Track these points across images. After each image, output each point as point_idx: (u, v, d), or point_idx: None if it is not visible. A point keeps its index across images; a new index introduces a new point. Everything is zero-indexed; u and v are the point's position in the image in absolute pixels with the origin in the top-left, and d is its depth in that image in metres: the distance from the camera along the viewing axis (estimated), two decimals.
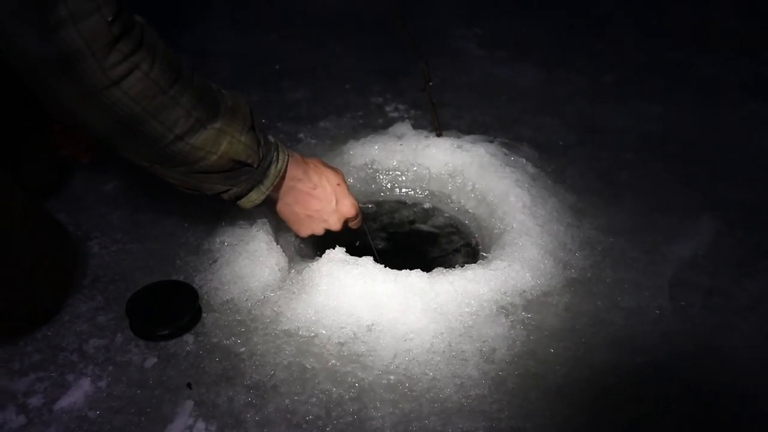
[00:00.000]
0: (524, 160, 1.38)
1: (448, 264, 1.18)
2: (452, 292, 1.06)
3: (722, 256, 1.21)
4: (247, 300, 1.08)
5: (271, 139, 1.03)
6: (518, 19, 2.17)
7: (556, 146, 1.52)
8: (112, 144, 0.90)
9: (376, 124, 1.60)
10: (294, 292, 1.08)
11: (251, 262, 1.11)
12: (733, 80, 1.81)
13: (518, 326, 1.05)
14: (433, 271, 1.10)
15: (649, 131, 1.59)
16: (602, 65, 1.89)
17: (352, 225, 1.16)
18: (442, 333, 1.02)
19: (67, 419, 0.91)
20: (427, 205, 1.39)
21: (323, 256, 1.10)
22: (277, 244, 1.17)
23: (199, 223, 1.25)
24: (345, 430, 0.90)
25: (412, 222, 1.36)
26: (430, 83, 1.40)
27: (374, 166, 1.40)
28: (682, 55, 1.94)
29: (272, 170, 1.01)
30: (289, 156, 1.04)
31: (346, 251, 1.10)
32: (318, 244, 1.25)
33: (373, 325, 1.02)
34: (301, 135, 1.55)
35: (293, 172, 1.05)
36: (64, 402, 0.93)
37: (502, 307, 1.07)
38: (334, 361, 0.99)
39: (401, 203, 1.40)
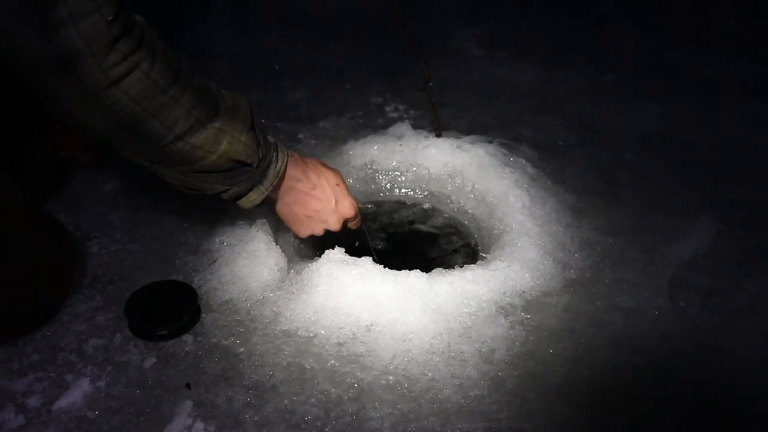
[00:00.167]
0: (524, 161, 1.38)
1: (448, 264, 1.18)
2: (451, 292, 1.06)
3: (722, 256, 1.21)
4: (246, 300, 1.08)
5: (271, 139, 1.03)
6: (518, 19, 2.17)
7: (556, 146, 1.52)
8: (112, 144, 0.90)
9: (375, 124, 1.59)
10: (293, 293, 1.08)
11: (250, 263, 1.11)
12: (733, 80, 1.81)
13: (517, 327, 1.05)
14: (433, 271, 1.10)
15: (649, 131, 1.59)
16: (602, 65, 1.89)
17: (352, 225, 1.16)
18: (441, 333, 1.02)
19: (66, 419, 0.91)
20: (426, 206, 1.39)
21: (322, 256, 1.10)
22: (277, 244, 1.17)
23: (199, 223, 1.25)
24: (344, 431, 0.90)
25: (412, 222, 1.36)
26: (430, 83, 1.40)
27: (374, 167, 1.40)
28: (682, 55, 1.94)
29: (271, 170, 1.01)
30: (288, 156, 1.04)
31: (346, 252, 1.10)
32: (317, 245, 1.25)
33: (372, 325, 1.02)
34: (301, 135, 1.55)
35: (292, 172, 1.05)
36: (63, 402, 0.93)
37: (502, 308, 1.07)
38: (333, 362, 0.99)
39: (401, 203, 1.40)
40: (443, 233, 1.33)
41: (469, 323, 1.04)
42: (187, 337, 1.03)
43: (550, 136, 1.56)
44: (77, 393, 0.94)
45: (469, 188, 1.34)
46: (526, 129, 1.59)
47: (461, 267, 1.12)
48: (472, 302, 1.06)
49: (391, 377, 0.97)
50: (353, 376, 0.97)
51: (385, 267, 1.08)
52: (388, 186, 1.41)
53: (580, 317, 1.08)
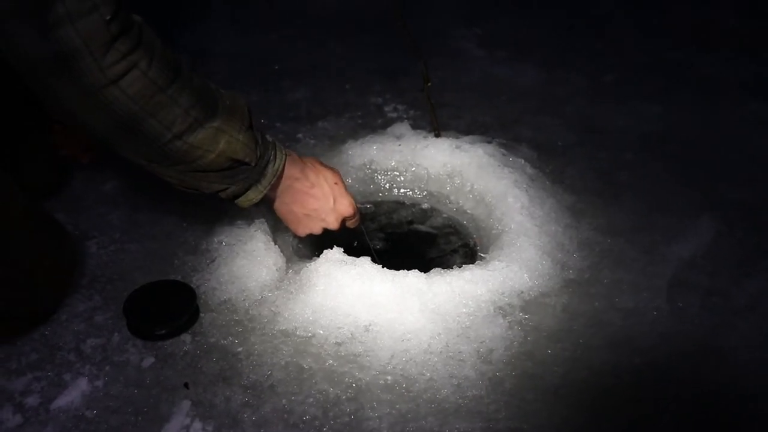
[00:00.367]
0: (523, 161, 1.38)
1: (446, 264, 1.18)
2: (450, 292, 1.06)
3: (722, 256, 1.21)
4: (244, 300, 1.08)
5: (269, 138, 1.03)
6: (518, 19, 2.17)
7: (555, 146, 1.52)
8: (111, 143, 0.90)
9: (375, 124, 1.59)
10: (292, 292, 1.08)
11: (249, 262, 1.11)
12: (733, 80, 1.80)
13: (516, 327, 1.05)
14: (431, 271, 1.10)
15: (649, 131, 1.58)
16: (602, 65, 1.89)
17: (350, 224, 1.15)
18: (440, 333, 1.02)
19: (64, 419, 0.91)
20: (425, 206, 1.39)
21: (321, 256, 1.10)
22: (275, 244, 1.17)
23: (198, 223, 1.25)
24: (342, 431, 0.90)
25: (411, 222, 1.36)
26: (429, 83, 1.40)
27: (373, 167, 1.40)
28: (682, 55, 1.93)
29: (270, 169, 1.01)
30: (286, 155, 1.04)
31: (344, 252, 1.10)
32: (316, 245, 1.25)
33: (370, 325, 1.02)
34: (300, 135, 1.55)
35: (291, 171, 1.05)
36: (61, 401, 0.93)
37: (500, 308, 1.07)
38: (331, 362, 0.99)
39: (399, 203, 1.40)
40: (442, 233, 1.33)
41: (467, 323, 1.04)
42: (186, 337, 1.03)
43: (550, 136, 1.55)
44: (75, 392, 0.95)
45: (468, 188, 1.34)
46: (526, 129, 1.58)
47: (460, 267, 1.12)
48: (470, 302, 1.06)
49: (389, 377, 0.97)
50: (351, 376, 0.97)
51: (383, 267, 1.08)
52: (387, 186, 1.41)
53: (579, 318, 1.08)
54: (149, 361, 1.00)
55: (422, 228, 1.34)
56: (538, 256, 1.14)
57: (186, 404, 0.93)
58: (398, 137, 1.43)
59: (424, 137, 1.43)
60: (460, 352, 1.00)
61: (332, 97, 1.73)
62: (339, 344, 1.01)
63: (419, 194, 1.41)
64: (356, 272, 1.06)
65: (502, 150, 1.39)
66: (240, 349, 1.01)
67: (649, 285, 1.14)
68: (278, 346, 1.01)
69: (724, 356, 1.02)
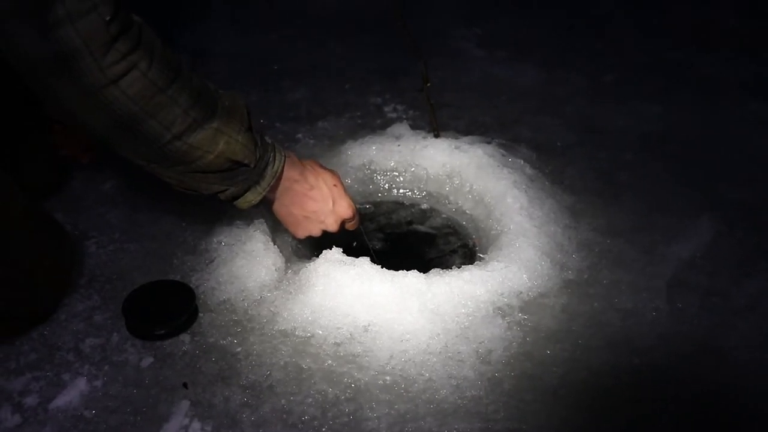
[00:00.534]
0: (522, 161, 1.38)
1: (445, 265, 1.18)
2: (449, 293, 1.06)
3: (721, 256, 1.21)
4: (243, 300, 1.08)
5: (268, 140, 1.03)
6: (518, 19, 2.17)
7: (555, 147, 1.52)
8: (111, 143, 0.90)
9: (374, 124, 1.59)
10: (291, 293, 1.08)
11: (248, 262, 1.11)
12: (733, 80, 1.80)
13: (515, 327, 1.05)
14: (430, 272, 1.10)
15: (648, 131, 1.58)
16: (602, 65, 1.89)
17: (349, 226, 1.15)
18: (439, 334, 1.02)
19: (63, 418, 0.91)
20: (424, 206, 1.39)
21: (320, 256, 1.10)
22: (274, 244, 1.17)
23: (197, 222, 1.25)
24: (341, 431, 0.90)
25: (410, 223, 1.36)
26: (429, 84, 1.40)
27: (372, 167, 1.40)
28: (682, 55, 1.93)
29: (269, 171, 1.01)
30: (285, 157, 1.04)
31: (343, 252, 1.10)
32: (315, 245, 1.25)
33: (369, 325, 1.02)
34: (300, 135, 1.55)
35: (290, 173, 1.05)
36: (60, 401, 0.93)
37: (499, 309, 1.07)
38: (330, 362, 0.99)
39: (399, 204, 1.40)
40: (441, 234, 1.33)
41: (466, 324, 1.04)
42: (185, 337, 1.03)
43: (550, 137, 1.55)
44: (74, 392, 0.95)
45: (468, 189, 1.34)
46: (526, 129, 1.58)
47: (459, 267, 1.11)
48: (469, 303, 1.06)
49: (388, 377, 0.97)
50: (350, 376, 0.97)
51: (382, 267, 1.08)
52: (387, 186, 1.41)
53: (578, 318, 1.07)
54: (148, 361, 1.00)
55: (421, 228, 1.34)
56: (537, 257, 1.14)
57: (185, 404, 0.93)
58: (397, 137, 1.43)
59: (424, 137, 1.43)
60: (459, 352, 1.00)
61: (332, 97, 1.73)
62: (338, 344, 1.01)
63: (418, 194, 1.41)
64: (355, 272, 1.06)
65: (501, 150, 1.39)
66: (239, 349, 1.01)
67: (649, 285, 1.14)
68: (277, 346, 1.01)
69: (723, 356, 1.02)
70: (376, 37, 1.99)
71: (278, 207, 1.10)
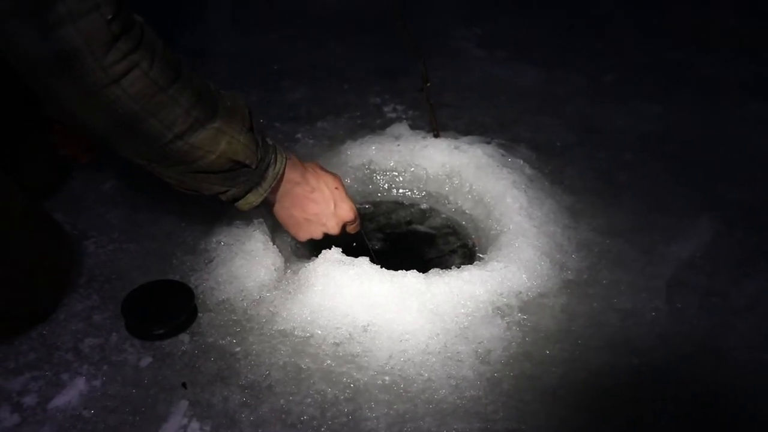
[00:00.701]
0: (522, 161, 1.38)
1: (445, 265, 1.18)
2: (448, 293, 1.06)
3: (721, 256, 1.20)
4: (242, 300, 1.08)
5: (270, 141, 1.03)
6: (518, 19, 2.17)
7: (555, 147, 1.52)
8: (112, 143, 0.90)
9: (374, 124, 1.59)
10: (290, 292, 1.08)
11: (247, 262, 1.11)
12: (733, 80, 1.80)
13: (514, 327, 1.05)
14: (430, 272, 1.10)
15: (648, 131, 1.58)
16: (602, 65, 1.89)
17: (351, 229, 1.15)
18: (438, 334, 1.02)
19: (62, 418, 0.91)
20: (424, 206, 1.39)
21: (319, 256, 1.10)
22: (274, 244, 1.17)
23: (196, 222, 1.25)
24: (340, 431, 0.90)
25: (409, 223, 1.36)
26: (428, 84, 1.40)
27: (371, 167, 1.40)
28: (682, 55, 1.93)
29: (270, 172, 1.01)
30: (287, 159, 1.04)
31: (343, 252, 1.10)
32: (314, 245, 1.25)
33: (368, 325, 1.02)
34: (299, 135, 1.55)
35: (291, 175, 1.05)
36: (59, 401, 0.93)
37: (498, 309, 1.07)
38: (329, 362, 0.99)
39: (398, 204, 1.40)
40: (441, 234, 1.33)
41: (465, 324, 1.04)
42: (184, 337, 1.03)
43: (549, 137, 1.55)
44: (73, 392, 0.94)
45: (467, 189, 1.34)
46: (525, 129, 1.58)
47: (458, 267, 1.11)
48: (468, 303, 1.06)
49: (387, 377, 0.97)
50: (349, 376, 0.97)
51: (382, 267, 1.08)
52: (386, 186, 1.41)
53: (577, 318, 1.07)
54: (147, 360, 1.00)
55: (421, 228, 1.34)
56: (536, 257, 1.14)
57: (184, 404, 0.93)
58: (397, 137, 1.43)
59: (423, 137, 1.43)
60: (458, 352, 1.00)
61: (331, 97, 1.73)
62: (337, 344, 1.01)
63: (418, 194, 1.41)
64: (355, 272, 1.06)
65: (501, 150, 1.39)
66: (238, 349, 1.01)
67: (648, 285, 1.14)
68: (276, 346, 1.01)
69: (723, 357, 1.02)
70: (376, 37, 1.99)
71: (279, 209, 1.09)
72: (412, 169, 1.40)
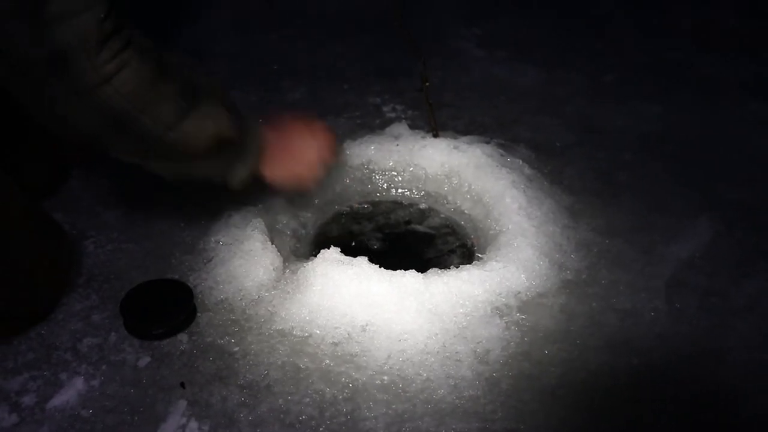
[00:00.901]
0: (521, 161, 1.38)
1: (444, 265, 1.18)
2: (447, 292, 1.06)
3: (720, 256, 1.20)
4: (241, 299, 1.08)
5: (246, 115, 1.04)
6: (518, 19, 2.17)
7: (554, 147, 1.52)
8: (104, 144, 0.91)
9: (373, 124, 1.59)
10: (288, 292, 1.08)
11: (246, 262, 1.11)
12: (733, 80, 1.80)
13: (513, 327, 1.04)
14: (429, 271, 1.10)
15: (648, 131, 1.58)
16: (602, 65, 1.89)
17: (329, 161, 1.17)
18: (437, 334, 1.02)
19: (60, 418, 0.91)
20: (423, 206, 1.39)
21: (318, 256, 1.10)
22: (272, 243, 1.16)
23: (195, 222, 1.25)
24: (338, 431, 0.90)
25: (408, 222, 1.35)
26: (427, 83, 1.40)
27: (371, 167, 1.40)
28: (682, 55, 1.93)
29: (253, 142, 1.03)
30: (264, 126, 1.06)
31: (341, 251, 1.10)
32: (313, 245, 1.25)
33: (367, 325, 1.02)
34: None
35: (271, 137, 1.07)
36: (57, 401, 0.93)
37: (497, 308, 1.07)
38: (328, 361, 0.99)
39: (397, 203, 1.40)
40: (440, 233, 1.33)
41: (464, 323, 1.04)
42: (182, 336, 1.03)
43: (549, 137, 1.55)
44: (71, 392, 0.95)
45: (466, 189, 1.34)
46: (525, 129, 1.58)
47: (457, 267, 1.11)
48: (467, 302, 1.06)
49: (385, 377, 0.97)
50: (348, 376, 0.97)
51: (380, 267, 1.08)
52: (385, 186, 1.41)
53: (576, 318, 1.07)
54: (146, 360, 1.00)
55: (420, 228, 1.34)
56: (535, 257, 1.14)
57: (182, 404, 0.93)
58: (396, 137, 1.43)
59: (422, 137, 1.43)
60: (457, 352, 1.00)
61: (331, 97, 1.73)
62: (336, 344, 1.01)
63: (417, 194, 1.41)
64: (353, 272, 1.06)
65: (500, 150, 1.39)
66: (237, 348, 1.01)
67: (647, 285, 1.13)
68: (275, 345, 1.01)
69: (722, 357, 1.02)
70: (376, 37, 1.99)
71: (269, 173, 1.10)
72: (411, 168, 1.39)
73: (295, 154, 1.12)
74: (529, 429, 0.91)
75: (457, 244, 1.30)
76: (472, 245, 1.28)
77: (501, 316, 1.06)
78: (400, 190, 1.41)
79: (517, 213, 1.21)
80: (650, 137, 1.56)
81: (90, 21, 0.77)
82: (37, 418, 0.91)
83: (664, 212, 1.30)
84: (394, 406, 0.93)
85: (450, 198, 1.37)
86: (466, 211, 1.34)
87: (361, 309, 1.03)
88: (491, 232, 1.23)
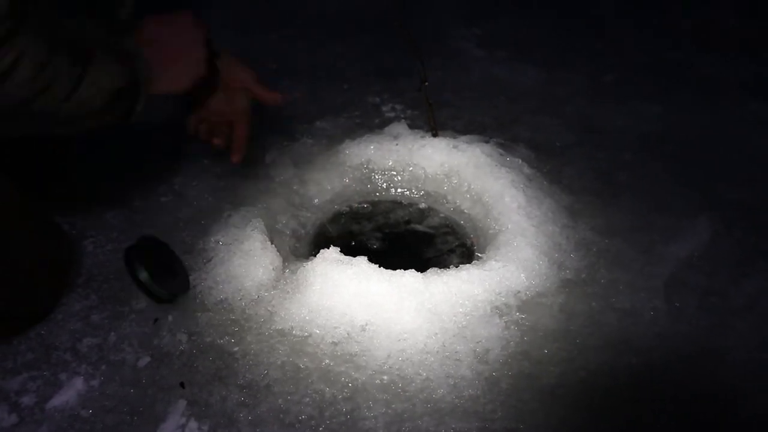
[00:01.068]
0: (520, 161, 1.37)
1: (443, 264, 1.18)
2: (447, 292, 1.06)
3: (720, 256, 1.20)
4: (241, 299, 1.08)
5: (125, 43, 0.98)
6: (518, 19, 2.17)
7: (554, 147, 1.52)
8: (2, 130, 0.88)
9: (372, 124, 1.59)
10: (288, 292, 1.08)
11: (246, 262, 1.11)
12: (733, 80, 1.80)
13: (512, 327, 1.04)
14: (428, 271, 1.10)
15: (648, 131, 1.58)
16: (602, 65, 1.89)
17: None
18: (436, 333, 1.02)
19: (60, 418, 0.91)
20: (422, 206, 1.39)
21: (317, 255, 1.10)
22: (272, 243, 1.16)
23: (194, 222, 1.25)
24: (338, 430, 0.90)
25: (408, 222, 1.35)
26: (426, 83, 1.40)
27: (370, 166, 1.40)
28: (682, 55, 1.93)
29: (142, 70, 0.97)
30: (145, 48, 1.00)
31: (341, 251, 1.10)
32: (312, 244, 1.25)
33: (366, 325, 1.02)
34: (298, 134, 1.54)
35: (161, 56, 1.02)
36: (57, 401, 0.93)
37: (497, 308, 1.07)
38: (327, 361, 0.99)
39: (397, 203, 1.40)
40: (439, 233, 1.33)
41: (464, 323, 1.04)
42: (182, 336, 1.03)
43: (548, 136, 1.55)
44: (71, 392, 0.95)
45: (465, 188, 1.34)
46: (524, 129, 1.58)
47: (457, 267, 1.11)
48: (467, 302, 1.06)
49: (385, 377, 0.97)
50: (348, 376, 0.97)
51: (380, 266, 1.08)
52: (385, 186, 1.41)
53: (576, 318, 1.07)
54: (145, 360, 1.00)
55: (419, 228, 1.34)
56: (535, 256, 1.14)
57: (182, 404, 0.93)
58: (395, 137, 1.43)
59: (422, 137, 1.43)
60: (456, 351, 1.00)
61: (330, 96, 1.72)
62: (335, 344, 1.01)
63: (416, 194, 1.40)
64: (353, 272, 1.06)
65: (499, 150, 1.39)
66: (236, 348, 1.01)
67: (647, 285, 1.13)
68: (274, 345, 1.01)
69: (721, 356, 1.02)
70: (376, 37, 1.99)
71: (173, 85, 1.06)
72: (411, 168, 1.39)
73: (176, 58, 1.06)
74: (529, 428, 0.91)
75: (457, 243, 1.30)
76: (472, 245, 1.28)
77: (500, 316, 1.06)
78: (399, 190, 1.41)
79: (516, 212, 1.21)
80: (650, 137, 1.55)
81: None
82: (37, 418, 0.91)
83: (663, 212, 1.30)
84: (393, 406, 0.93)
85: (449, 197, 1.37)
86: (465, 211, 1.34)
87: (360, 309, 1.03)
88: (491, 231, 1.23)
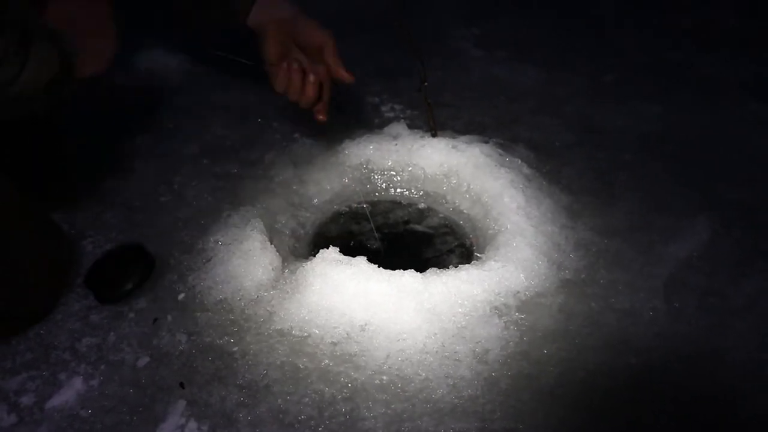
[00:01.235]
0: (520, 161, 1.37)
1: (443, 264, 1.18)
2: (446, 292, 1.06)
3: (719, 256, 1.20)
4: (240, 299, 1.08)
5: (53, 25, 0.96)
6: (518, 19, 2.17)
7: (553, 147, 1.51)
8: None
9: (372, 124, 1.59)
10: (287, 292, 1.08)
11: (245, 262, 1.11)
12: (733, 80, 1.80)
13: (511, 327, 1.04)
14: (427, 271, 1.10)
15: (648, 131, 1.58)
16: (602, 65, 1.89)
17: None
18: (435, 333, 1.02)
19: (59, 418, 0.91)
20: (421, 206, 1.39)
21: (317, 255, 1.10)
22: (271, 243, 1.17)
23: (194, 222, 1.25)
24: (337, 430, 0.90)
25: (407, 222, 1.35)
26: (426, 83, 1.40)
27: (369, 166, 1.40)
28: (682, 55, 1.93)
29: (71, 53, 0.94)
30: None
31: (340, 251, 1.10)
32: (312, 244, 1.25)
33: (366, 325, 1.02)
34: (297, 134, 1.54)
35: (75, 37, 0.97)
36: (56, 401, 0.93)
37: (496, 308, 1.07)
38: (327, 361, 0.99)
39: (396, 203, 1.40)
40: (438, 233, 1.32)
41: (463, 323, 1.03)
42: (181, 336, 1.03)
43: (548, 137, 1.55)
44: (70, 392, 0.95)
45: (465, 188, 1.34)
46: (524, 129, 1.58)
47: (456, 267, 1.11)
48: (466, 302, 1.05)
49: (384, 377, 0.97)
50: (347, 376, 0.97)
51: (379, 266, 1.08)
52: (384, 186, 1.41)
53: (575, 318, 1.07)
54: (144, 360, 1.00)
55: (419, 228, 1.34)
56: (534, 257, 1.14)
57: (181, 404, 0.93)
58: (395, 137, 1.43)
59: (421, 137, 1.42)
60: (455, 352, 1.00)
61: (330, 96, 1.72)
62: (335, 344, 1.01)
63: (416, 194, 1.40)
64: (352, 272, 1.06)
65: (499, 150, 1.39)
66: (235, 348, 1.01)
67: (646, 285, 1.13)
68: (274, 345, 1.01)
69: (721, 357, 1.02)
70: (376, 37, 1.99)
71: (91, 67, 1.02)
72: (410, 168, 1.39)
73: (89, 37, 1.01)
74: (528, 428, 0.91)
75: (456, 243, 1.30)
76: (471, 245, 1.28)
77: (500, 316, 1.06)
78: (398, 190, 1.41)
79: (515, 212, 1.21)
80: (650, 137, 1.55)
81: None
82: (36, 418, 0.91)
83: (663, 212, 1.30)
84: (393, 406, 0.93)
85: (449, 198, 1.37)
86: (464, 211, 1.34)
87: (360, 309, 1.03)
88: (490, 231, 1.23)
